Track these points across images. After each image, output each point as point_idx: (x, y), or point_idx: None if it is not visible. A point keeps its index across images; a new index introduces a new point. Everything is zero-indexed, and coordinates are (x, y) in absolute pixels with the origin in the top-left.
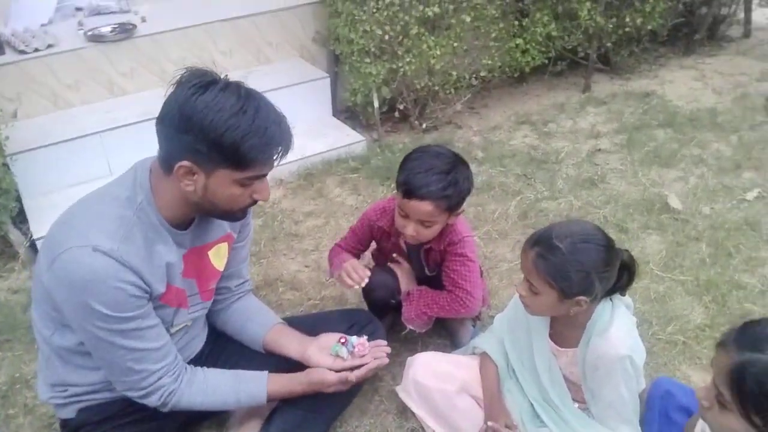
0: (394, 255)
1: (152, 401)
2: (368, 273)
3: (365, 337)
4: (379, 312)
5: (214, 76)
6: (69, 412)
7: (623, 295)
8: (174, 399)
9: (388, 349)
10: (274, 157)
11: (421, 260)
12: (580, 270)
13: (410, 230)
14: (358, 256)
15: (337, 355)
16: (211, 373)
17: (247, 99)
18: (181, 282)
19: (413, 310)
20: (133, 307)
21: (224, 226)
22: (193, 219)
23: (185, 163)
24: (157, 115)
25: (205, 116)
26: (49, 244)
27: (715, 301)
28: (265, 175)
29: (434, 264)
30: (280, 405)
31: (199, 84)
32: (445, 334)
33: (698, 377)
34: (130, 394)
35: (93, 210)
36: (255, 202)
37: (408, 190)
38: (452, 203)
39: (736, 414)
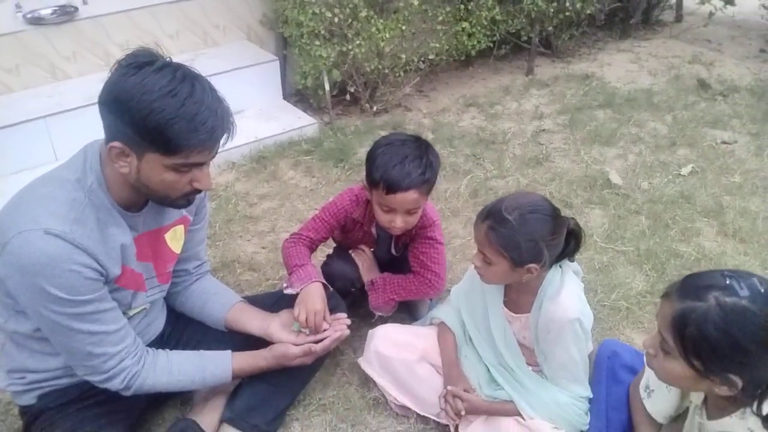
0: (361, 246)
1: (115, 385)
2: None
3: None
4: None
5: (154, 57)
6: (29, 399)
7: (572, 260)
8: (138, 382)
9: (348, 321)
10: (208, 144)
11: (389, 244)
12: (529, 239)
13: (399, 222)
14: (315, 248)
15: (299, 331)
16: (175, 354)
17: (181, 81)
18: (137, 265)
19: (380, 299)
20: (90, 290)
21: (180, 209)
22: (146, 202)
23: (117, 144)
24: None
25: (132, 97)
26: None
27: (655, 269)
28: (203, 163)
29: (402, 246)
30: (245, 381)
31: (133, 64)
32: (403, 308)
33: (641, 340)
34: (92, 378)
35: (42, 193)
36: (197, 190)
37: (390, 185)
38: (431, 185)
39: (678, 359)
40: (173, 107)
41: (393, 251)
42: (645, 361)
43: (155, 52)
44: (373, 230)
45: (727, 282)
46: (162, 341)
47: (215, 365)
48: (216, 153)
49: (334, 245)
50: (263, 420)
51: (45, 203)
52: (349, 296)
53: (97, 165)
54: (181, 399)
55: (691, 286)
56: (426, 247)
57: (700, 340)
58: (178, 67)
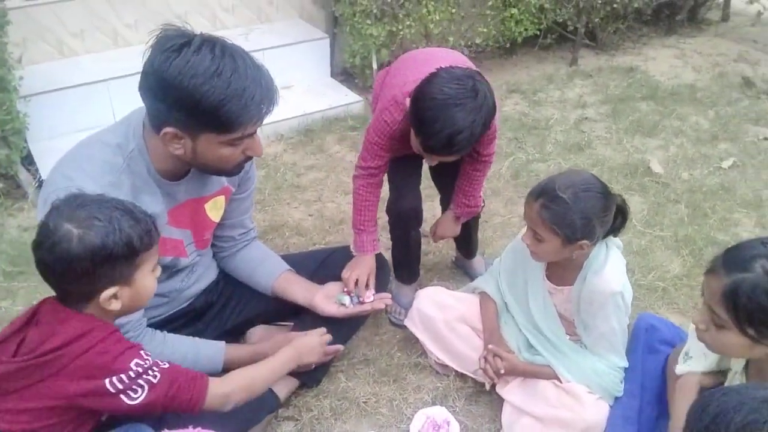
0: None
1: None
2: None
3: (372, 290)
4: (405, 229)
5: (187, 35)
6: None
7: (616, 236)
8: None
9: (389, 301)
10: (259, 116)
11: None
12: (583, 217)
13: (433, 162)
14: (383, 174)
15: (341, 304)
16: (171, 335)
17: (222, 59)
18: (176, 232)
19: (467, 214)
20: None
21: (221, 179)
22: (188, 171)
23: (170, 129)
24: None
25: (180, 83)
26: (42, 189)
27: (692, 255)
28: (254, 132)
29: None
30: (293, 330)
31: (172, 48)
32: (448, 277)
33: (676, 320)
34: None
35: (83, 154)
36: (249, 158)
37: (430, 149)
38: (489, 126)
39: (732, 329)
40: (222, 87)
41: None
42: (696, 335)
43: (185, 29)
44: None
45: None
46: (217, 290)
47: (208, 347)
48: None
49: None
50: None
51: (83, 164)
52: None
53: (141, 133)
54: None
55: (736, 258)
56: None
57: (753, 309)
58: (213, 43)
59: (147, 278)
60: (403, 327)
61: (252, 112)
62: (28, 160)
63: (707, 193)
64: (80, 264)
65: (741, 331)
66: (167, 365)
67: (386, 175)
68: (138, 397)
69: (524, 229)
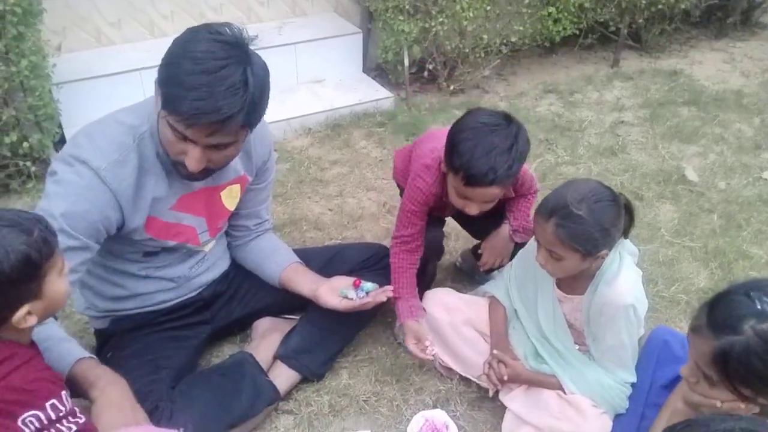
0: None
1: None
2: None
3: (377, 286)
4: (423, 258)
5: (228, 32)
6: (102, 324)
7: (626, 237)
8: None
9: (391, 293)
10: (186, 119)
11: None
12: (601, 229)
13: (474, 210)
14: (420, 241)
15: (345, 297)
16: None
17: (216, 60)
18: (193, 220)
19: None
20: (82, 230)
21: (238, 168)
22: None
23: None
24: None
25: (174, 46)
26: (57, 154)
27: (721, 268)
28: (187, 138)
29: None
30: (299, 324)
31: (209, 29)
32: (457, 278)
33: None
34: None
35: (96, 129)
36: (183, 162)
37: (471, 178)
38: (516, 175)
39: (723, 388)
40: (186, 71)
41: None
42: (688, 386)
43: (239, 30)
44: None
45: (759, 307)
46: (226, 280)
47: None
48: (209, 136)
49: None
50: (314, 362)
51: (95, 139)
52: (438, 258)
53: (155, 116)
54: (240, 336)
55: (722, 317)
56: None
57: (746, 374)
58: (232, 47)
59: (57, 283)
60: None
61: (182, 108)
62: (61, 145)
63: (743, 204)
64: None
65: (736, 392)
66: (83, 419)
67: None
68: None
69: (532, 239)
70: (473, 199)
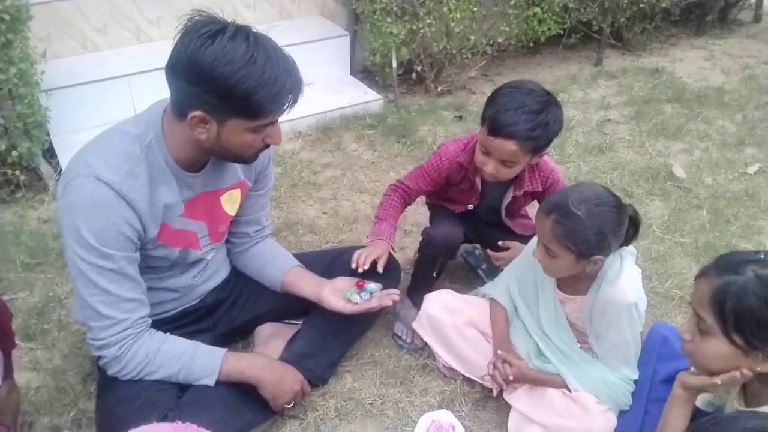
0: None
1: (111, 353)
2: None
3: (380, 286)
4: (434, 254)
5: (222, 23)
6: None
7: (628, 245)
8: (134, 346)
9: (397, 297)
10: (285, 105)
11: (496, 200)
12: (597, 232)
13: (490, 168)
14: (411, 200)
15: (349, 299)
16: (174, 336)
17: (256, 47)
18: (191, 224)
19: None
20: (119, 246)
21: (238, 173)
22: (205, 162)
23: (198, 113)
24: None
25: (215, 68)
26: (63, 175)
27: None
28: (276, 120)
29: (517, 209)
30: (303, 328)
31: (207, 33)
32: (458, 280)
33: None
34: (92, 343)
35: (102, 144)
36: (267, 146)
37: (495, 126)
38: (539, 145)
39: (717, 336)
40: (256, 74)
41: (503, 214)
42: (681, 348)
43: (217, 16)
44: (478, 181)
45: (763, 257)
46: (228, 287)
47: (207, 350)
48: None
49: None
50: (318, 366)
51: (103, 153)
52: (452, 257)
53: (159, 123)
54: (243, 343)
55: (727, 262)
56: None
57: (740, 313)
58: (247, 32)
59: None
60: (410, 348)
61: (282, 101)
62: (50, 153)
63: (731, 199)
64: None
65: (727, 338)
66: None
67: (429, 216)
68: None
69: (534, 239)
70: (492, 153)
